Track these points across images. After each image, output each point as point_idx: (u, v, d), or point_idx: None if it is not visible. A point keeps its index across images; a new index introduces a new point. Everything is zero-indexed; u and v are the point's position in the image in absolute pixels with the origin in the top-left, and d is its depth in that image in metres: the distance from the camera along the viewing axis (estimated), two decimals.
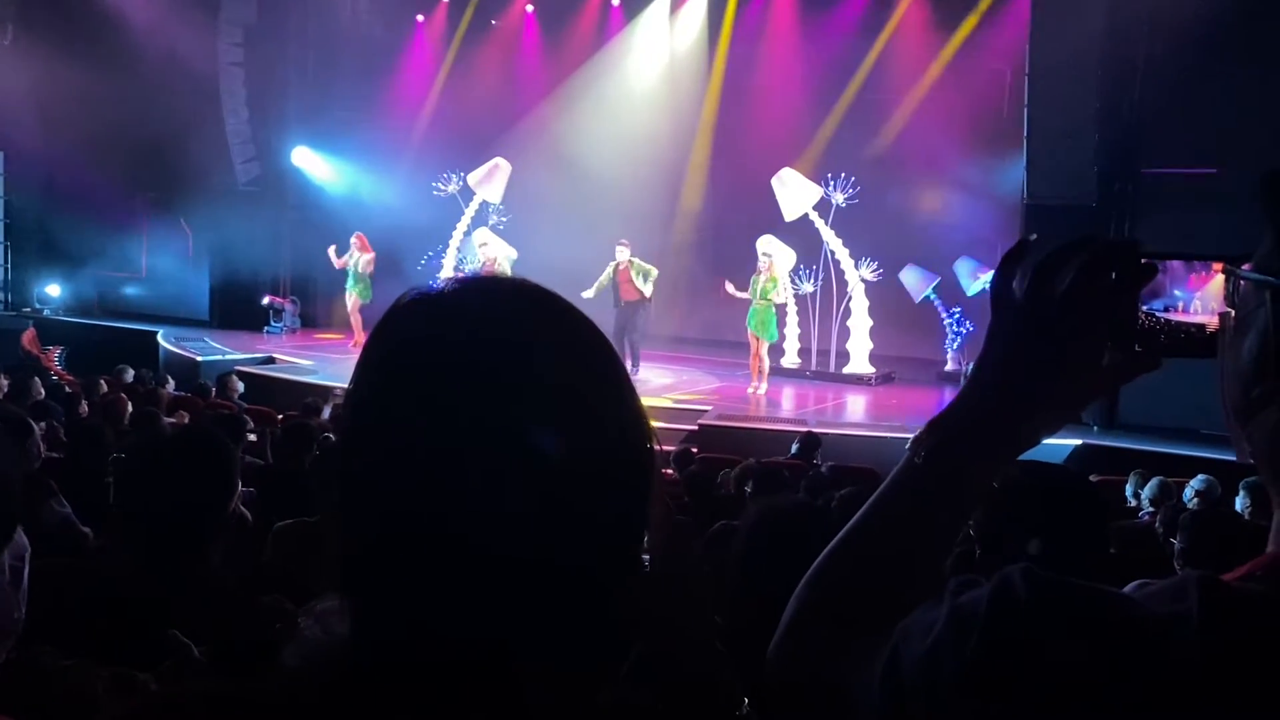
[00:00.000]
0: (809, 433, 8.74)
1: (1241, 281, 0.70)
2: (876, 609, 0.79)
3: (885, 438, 9.85)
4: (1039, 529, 1.73)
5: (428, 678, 0.68)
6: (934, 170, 13.48)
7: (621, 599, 0.74)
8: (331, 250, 14.45)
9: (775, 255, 12.74)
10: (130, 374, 10.45)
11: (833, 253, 13.53)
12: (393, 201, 15.30)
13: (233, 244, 15.23)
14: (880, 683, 0.72)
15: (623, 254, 12.96)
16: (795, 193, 13.48)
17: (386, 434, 0.71)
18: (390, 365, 0.74)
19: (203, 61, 14.82)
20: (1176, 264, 0.91)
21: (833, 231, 13.42)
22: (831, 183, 13.34)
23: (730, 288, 12.71)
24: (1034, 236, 0.91)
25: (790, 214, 13.50)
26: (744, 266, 12.85)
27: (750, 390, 12.47)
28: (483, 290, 0.78)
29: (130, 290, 16.85)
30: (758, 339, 12.45)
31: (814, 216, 13.46)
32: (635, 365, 12.90)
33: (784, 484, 5.90)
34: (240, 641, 1.58)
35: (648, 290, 12.88)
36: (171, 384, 10.44)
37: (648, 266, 12.95)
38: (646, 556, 1.04)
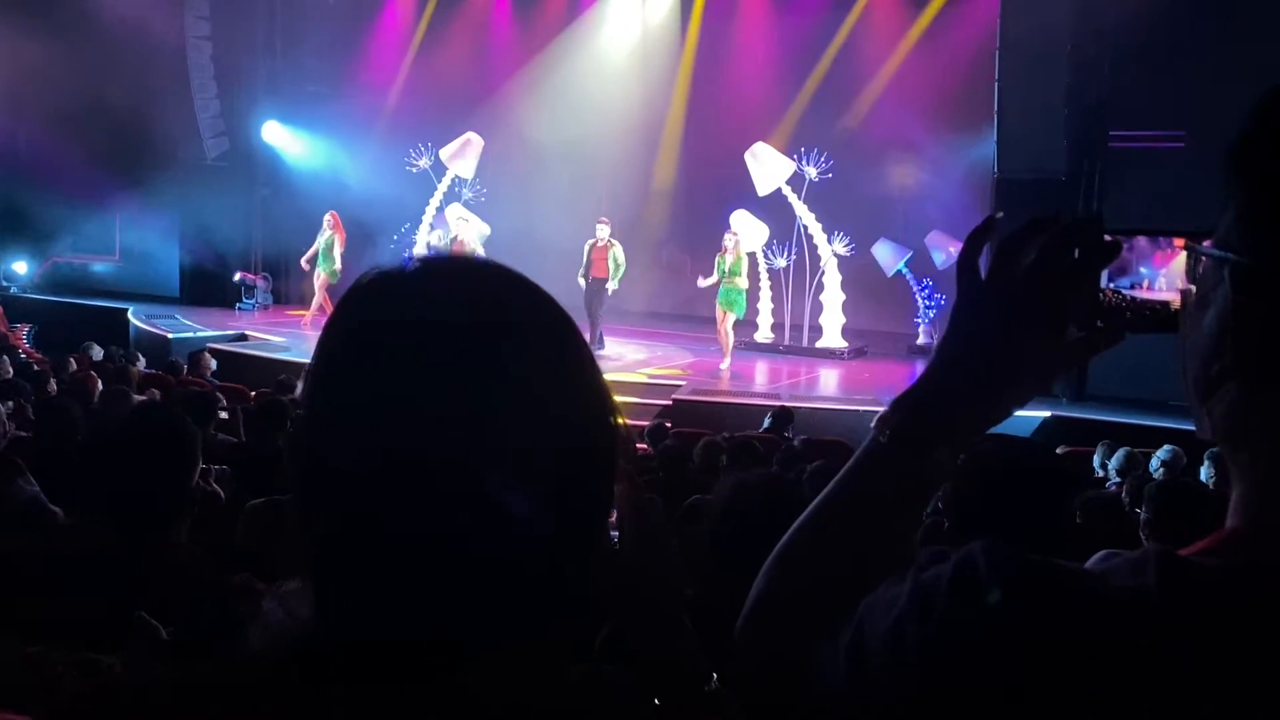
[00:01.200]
0: (782, 407, 8.78)
1: (1203, 258, 0.70)
2: (842, 586, 0.79)
3: (858, 411, 9.90)
4: (1004, 502, 1.75)
5: (387, 661, 0.68)
6: (906, 145, 13.50)
7: (585, 578, 0.74)
8: (304, 260, 14.30)
9: (741, 236, 12.73)
10: (99, 352, 10.34)
11: (805, 227, 13.54)
12: (364, 177, 15.17)
13: (203, 220, 15.06)
14: (845, 658, 0.73)
15: (602, 231, 12.89)
16: (768, 167, 13.47)
17: (345, 418, 0.70)
18: (349, 347, 0.73)
19: (170, 36, 14.60)
20: (1142, 241, 0.92)
21: (805, 206, 13.42)
22: (804, 157, 13.34)
23: (702, 281, 12.73)
24: (1000, 214, 0.92)
25: (763, 189, 13.49)
26: (717, 242, 12.84)
27: (722, 366, 12.50)
28: (445, 271, 0.76)
29: (99, 267, 16.65)
30: (725, 313, 12.46)
31: (787, 191, 13.46)
32: (599, 342, 12.91)
33: (758, 458, 5.93)
34: (206, 622, 1.57)
35: (614, 282, 12.85)
36: (142, 362, 10.33)
37: (621, 258, 12.87)
38: (615, 534, 1.05)
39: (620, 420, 0.76)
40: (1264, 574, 0.61)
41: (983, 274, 0.88)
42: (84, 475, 2.10)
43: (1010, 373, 0.87)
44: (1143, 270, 0.91)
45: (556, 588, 0.72)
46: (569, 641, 0.74)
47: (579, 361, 0.75)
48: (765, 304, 13.94)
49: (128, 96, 14.17)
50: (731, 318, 12.50)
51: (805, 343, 13.57)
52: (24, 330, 14.11)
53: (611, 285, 12.83)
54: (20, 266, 16.57)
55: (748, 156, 13.55)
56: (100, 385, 7.45)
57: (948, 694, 0.65)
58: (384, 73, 16.10)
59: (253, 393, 8.78)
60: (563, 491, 0.71)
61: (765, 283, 13.83)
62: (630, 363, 12.54)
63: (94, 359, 9.93)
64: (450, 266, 0.77)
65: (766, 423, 8.42)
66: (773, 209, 13.55)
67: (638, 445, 7.51)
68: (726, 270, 12.39)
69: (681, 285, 14.50)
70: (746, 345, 13.19)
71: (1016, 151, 11.52)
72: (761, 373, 12.74)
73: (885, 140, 13.56)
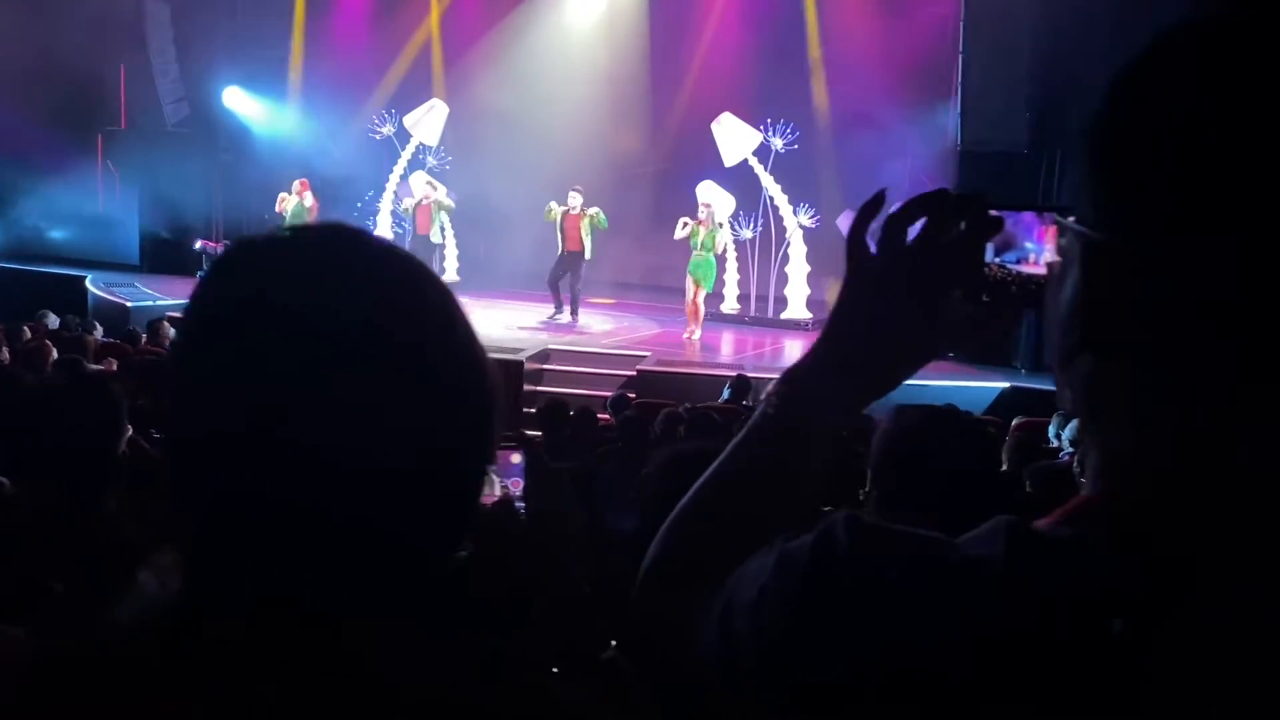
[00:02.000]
0: (740, 376, 8.82)
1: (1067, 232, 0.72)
2: (726, 556, 0.80)
3: None
4: (927, 471, 1.78)
5: (252, 632, 0.67)
6: (871, 116, 13.47)
7: (457, 549, 0.74)
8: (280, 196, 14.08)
9: (715, 207, 12.70)
10: (55, 320, 10.20)
11: (771, 199, 13.55)
12: (327, 144, 14.99)
13: (163, 187, 14.81)
14: (716, 628, 0.73)
15: (575, 200, 12.71)
16: (735, 138, 13.46)
17: (204, 390, 0.70)
18: (207, 320, 0.73)
19: None
20: (1028, 216, 0.94)
21: (771, 177, 13.43)
22: (771, 128, 13.33)
23: (680, 229, 12.66)
24: (888, 189, 0.93)
25: (730, 159, 13.48)
26: (683, 212, 12.82)
27: (686, 336, 12.51)
28: (309, 244, 0.75)
29: (56, 234, 16.36)
30: (696, 285, 12.46)
31: (753, 162, 13.46)
32: (575, 315, 12.86)
33: (716, 428, 5.95)
34: (112, 593, 1.57)
35: (588, 248, 12.73)
36: (100, 330, 10.20)
37: (602, 219, 12.71)
38: (521, 505, 1.06)
39: (496, 386, 0.75)
40: (1107, 544, 0.63)
41: (871, 247, 0.89)
42: (10, 443, 2.09)
43: (893, 346, 0.88)
44: (1028, 245, 0.92)
45: (425, 555, 0.72)
46: (451, 614, 0.73)
47: (447, 328, 0.74)
48: (731, 275, 13.95)
49: (85, 62, 13.88)
50: (703, 291, 12.50)
51: (771, 314, 13.61)
52: None
53: (588, 245, 12.67)
54: None
55: (714, 127, 13.51)
56: (55, 354, 7.35)
57: (804, 663, 0.66)
58: (348, 38, 15.87)
59: None
60: (428, 458, 0.71)
61: (731, 254, 13.83)
62: (596, 334, 12.53)
63: (50, 328, 9.79)
64: (313, 238, 0.76)
65: (726, 393, 8.45)
66: (739, 180, 13.53)
67: (600, 416, 7.53)
68: (699, 244, 12.37)
69: (647, 256, 14.48)
70: (712, 316, 13.20)
71: (979, 124, 11.59)
72: (727, 343, 12.77)
73: (851, 111, 13.55)
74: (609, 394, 8.95)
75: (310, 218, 13.71)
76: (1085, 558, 0.62)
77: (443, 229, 13.84)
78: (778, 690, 0.68)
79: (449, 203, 13.72)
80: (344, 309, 0.70)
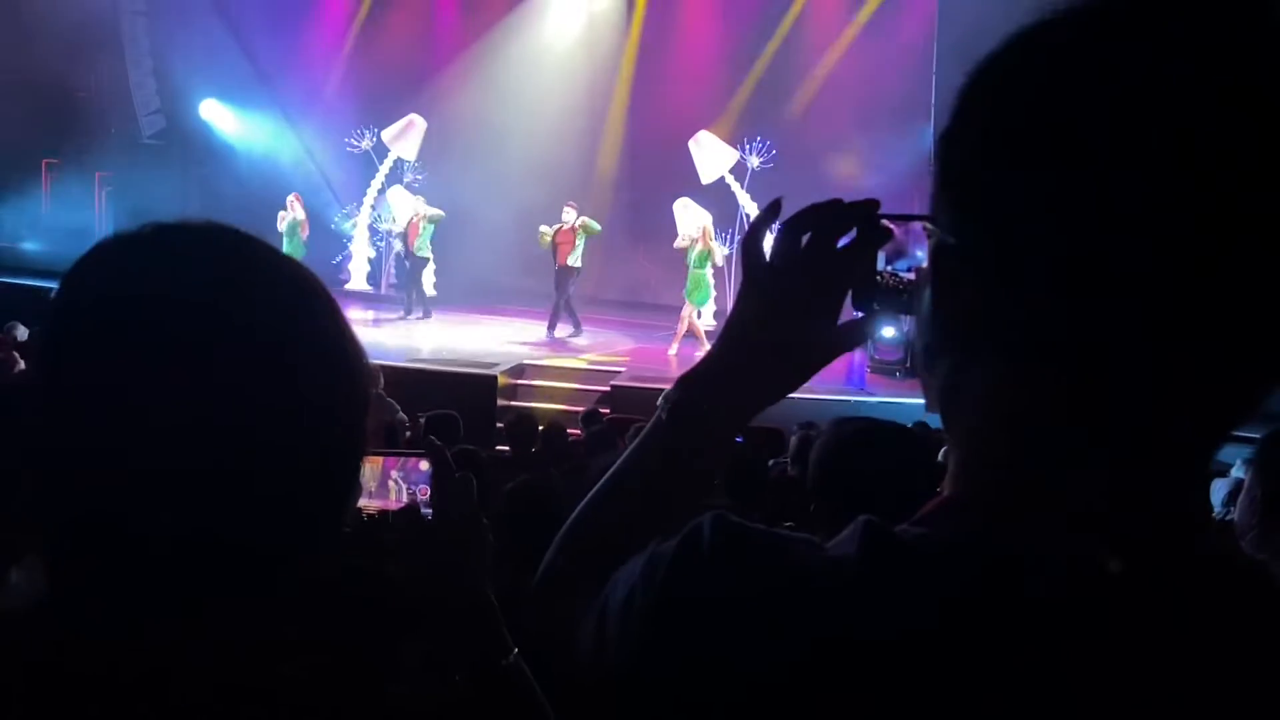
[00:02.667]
0: None
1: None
2: (618, 561, 0.79)
3: (795, 399, 9.94)
4: (863, 476, 1.79)
5: (105, 646, 0.66)
6: (848, 135, 13.59)
7: (323, 550, 0.73)
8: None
9: (707, 225, 12.74)
10: (24, 332, 10.10)
11: (748, 216, 13.60)
12: (305, 158, 14.96)
13: (138, 199, 14.68)
14: (593, 631, 0.72)
15: (569, 215, 12.75)
16: (712, 156, 13.53)
17: (52, 398, 0.68)
18: (64, 326, 0.70)
19: (103, 9, 14.26)
20: (917, 226, 0.95)
21: (748, 195, 13.49)
22: (748, 146, 13.40)
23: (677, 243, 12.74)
24: (783, 197, 0.94)
25: (707, 177, 13.56)
26: (659, 228, 12.87)
27: (671, 352, 12.50)
28: (172, 245, 0.73)
29: (29, 245, 16.22)
30: (690, 304, 12.48)
31: (730, 180, 13.53)
32: (577, 328, 12.86)
33: None
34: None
35: (577, 256, 12.75)
36: None
37: (595, 226, 12.76)
38: (429, 512, 1.06)
39: (370, 391, 0.75)
40: (961, 543, 0.63)
41: (765, 254, 0.90)
42: None
43: (784, 352, 0.89)
44: (919, 253, 0.93)
45: (291, 570, 0.71)
46: (313, 621, 0.72)
47: (318, 335, 0.72)
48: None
49: (60, 72, 13.82)
50: (697, 308, 12.51)
51: None
52: None
53: (578, 254, 12.68)
54: None
55: (692, 144, 13.60)
56: (21, 365, 7.30)
57: (659, 668, 0.65)
58: (326, 52, 15.87)
59: None
60: (300, 472, 0.69)
61: (708, 270, 13.86)
62: (572, 348, 12.52)
63: (18, 339, 9.71)
64: (176, 240, 0.73)
65: None
66: (716, 197, 13.58)
67: (571, 431, 7.51)
68: (694, 261, 12.41)
69: (625, 271, 14.51)
70: (689, 332, 13.21)
71: None
72: None
73: (828, 130, 13.64)
74: (581, 409, 8.94)
75: (303, 233, 13.65)
76: (935, 556, 0.63)
77: (431, 242, 13.76)
78: (639, 694, 0.67)
79: (438, 213, 13.66)
80: (195, 313, 0.68)
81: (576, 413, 8.89)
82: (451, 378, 10.18)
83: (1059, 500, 0.62)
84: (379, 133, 14.70)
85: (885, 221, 0.89)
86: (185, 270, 0.70)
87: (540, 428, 6.86)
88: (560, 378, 11.31)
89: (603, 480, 0.93)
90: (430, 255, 13.73)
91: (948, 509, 0.67)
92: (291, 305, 0.72)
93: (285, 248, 13.70)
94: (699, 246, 12.39)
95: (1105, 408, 0.60)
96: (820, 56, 14.15)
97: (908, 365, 11.42)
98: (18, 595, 0.69)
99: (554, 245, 12.79)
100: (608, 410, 9.18)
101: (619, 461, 0.93)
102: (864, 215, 0.87)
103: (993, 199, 0.62)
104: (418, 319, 13.38)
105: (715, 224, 13.56)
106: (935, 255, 0.68)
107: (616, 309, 14.69)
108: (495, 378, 10.43)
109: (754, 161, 13.38)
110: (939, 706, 0.58)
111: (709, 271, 12.49)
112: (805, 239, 0.88)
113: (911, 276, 0.95)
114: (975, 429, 0.67)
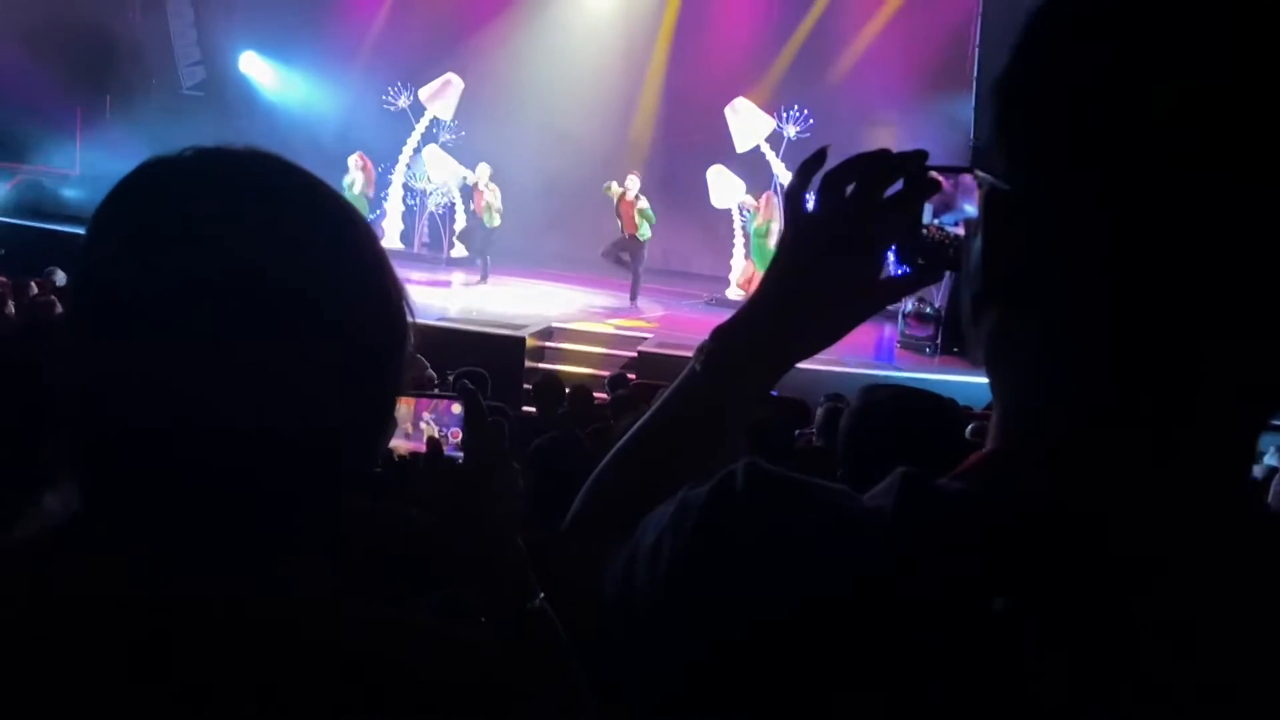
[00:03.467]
0: None
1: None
2: (646, 508, 0.79)
3: (823, 370, 9.94)
4: (893, 443, 1.78)
5: (133, 565, 0.66)
6: (886, 106, 13.42)
7: (358, 485, 0.72)
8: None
9: (770, 195, 12.76)
10: (62, 277, 10.21)
11: (782, 185, 13.50)
12: (341, 114, 14.96)
13: (177, 148, 14.78)
14: (620, 575, 0.72)
15: (632, 184, 12.82)
16: (748, 123, 13.42)
17: (90, 329, 0.68)
18: (97, 252, 0.69)
19: None
20: (967, 178, 0.93)
21: (783, 164, 13.38)
22: (784, 115, 13.28)
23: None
24: (830, 145, 0.92)
25: (742, 145, 13.45)
26: (693, 194, 12.80)
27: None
28: (214, 169, 0.72)
29: (67, 192, 16.36)
30: (755, 273, 12.55)
31: (765, 148, 13.42)
32: (634, 298, 12.92)
33: None
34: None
35: (643, 234, 12.78)
36: None
37: (651, 214, 12.79)
38: (460, 455, 1.06)
39: (408, 324, 0.73)
40: (1003, 497, 0.62)
41: (808, 206, 0.89)
42: None
43: (824, 304, 0.88)
44: (967, 207, 0.91)
45: (327, 509, 0.71)
46: (341, 566, 0.72)
47: (355, 262, 0.71)
48: (739, 260, 13.93)
49: (102, 20, 13.87)
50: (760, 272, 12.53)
51: None
52: None
53: (642, 232, 12.76)
54: None
55: (728, 111, 13.48)
56: (60, 309, 7.38)
57: (691, 610, 0.64)
58: (365, 7, 15.83)
59: None
60: (331, 396, 0.69)
61: (739, 240, 13.81)
62: (601, 313, 12.53)
63: (57, 284, 9.81)
64: (216, 161, 0.72)
65: None
66: (751, 165, 13.49)
67: (597, 395, 7.52)
68: (757, 230, 12.44)
69: (656, 238, 14.46)
70: (719, 302, 13.19)
71: None
72: None
73: (865, 101, 13.49)
74: (609, 374, 8.96)
75: (369, 190, 13.71)
76: (976, 510, 0.62)
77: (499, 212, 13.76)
78: (668, 638, 0.66)
79: (496, 207, 13.60)
80: (238, 237, 0.67)
81: (603, 377, 8.91)
82: (479, 338, 10.20)
83: (1102, 457, 0.60)
84: (416, 91, 14.67)
85: (933, 173, 0.87)
86: (227, 194, 0.70)
87: (567, 390, 6.88)
88: (588, 341, 11.33)
89: (633, 429, 0.92)
90: (498, 223, 13.69)
91: (989, 463, 0.66)
92: (334, 234, 0.71)
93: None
94: (760, 217, 12.38)
95: (1153, 365, 0.59)
96: (862, 25, 13.97)
97: (938, 342, 11.33)
98: (51, 519, 0.69)
99: (618, 212, 12.84)
100: (634, 375, 9.18)
101: (650, 410, 0.92)
102: (912, 166, 0.85)
103: (1050, 145, 0.60)
104: (477, 283, 13.41)
105: (748, 192, 13.52)
106: (987, 203, 0.66)
107: (646, 276, 14.65)
108: (523, 339, 10.46)
109: (790, 131, 13.26)
110: (978, 656, 0.58)
111: (770, 242, 12.50)
112: (850, 189, 0.87)
113: (959, 231, 0.93)
114: (1020, 382, 0.66)
